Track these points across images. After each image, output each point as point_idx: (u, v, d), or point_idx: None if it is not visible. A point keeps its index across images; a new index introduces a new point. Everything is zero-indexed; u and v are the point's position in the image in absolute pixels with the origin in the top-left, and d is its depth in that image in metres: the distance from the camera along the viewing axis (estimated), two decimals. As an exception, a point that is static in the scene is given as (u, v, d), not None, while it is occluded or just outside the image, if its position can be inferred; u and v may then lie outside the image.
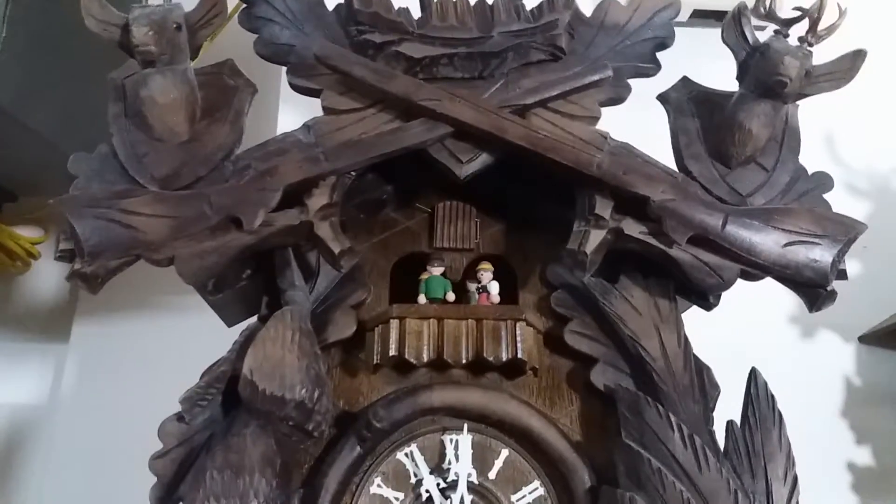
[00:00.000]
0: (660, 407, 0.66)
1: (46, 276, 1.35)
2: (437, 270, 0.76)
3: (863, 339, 1.25)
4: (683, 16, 1.32)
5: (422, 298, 0.75)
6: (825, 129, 1.32)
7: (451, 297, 0.75)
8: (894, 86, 1.33)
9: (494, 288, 0.75)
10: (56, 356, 1.29)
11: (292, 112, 1.05)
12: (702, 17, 1.32)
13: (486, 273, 0.75)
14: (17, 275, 1.34)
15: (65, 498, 1.16)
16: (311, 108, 0.72)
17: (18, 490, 1.23)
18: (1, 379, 1.29)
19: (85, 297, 1.28)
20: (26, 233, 1.32)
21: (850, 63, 0.68)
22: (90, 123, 0.95)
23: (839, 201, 1.24)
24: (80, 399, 1.23)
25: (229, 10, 0.72)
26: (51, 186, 1.17)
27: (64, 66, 1.08)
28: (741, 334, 1.09)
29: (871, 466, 1.20)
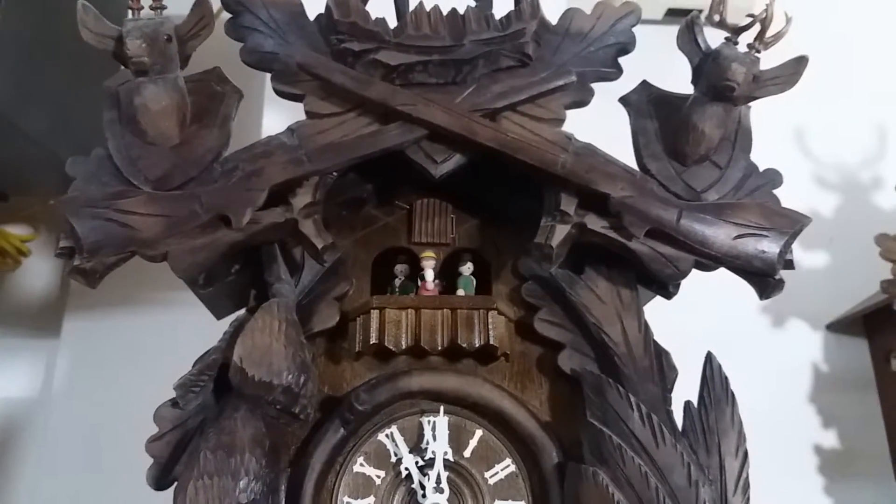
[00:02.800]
0: (621, 388, 0.69)
1: (37, 273, 1.36)
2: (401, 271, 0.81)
3: (830, 327, 1.29)
4: (658, 14, 1.35)
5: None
6: (795, 125, 1.35)
7: None
8: (862, 82, 1.37)
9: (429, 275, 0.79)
10: (47, 351, 1.30)
11: (276, 115, 1.07)
12: (675, 15, 1.34)
13: (428, 261, 0.79)
14: (8, 272, 1.35)
15: (57, 491, 1.18)
16: (294, 112, 0.74)
17: (11, 484, 1.24)
18: (-6, 374, 1.30)
19: (75, 292, 1.30)
20: (16, 231, 1.34)
21: (794, 68, 0.71)
22: (81, 125, 0.96)
23: (808, 194, 1.28)
24: (71, 393, 1.25)
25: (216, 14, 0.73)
26: (41, 186, 1.21)
27: (56, 68, 1.09)
28: (714, 323, 1.12)
29: (836, 449, 1.23)
